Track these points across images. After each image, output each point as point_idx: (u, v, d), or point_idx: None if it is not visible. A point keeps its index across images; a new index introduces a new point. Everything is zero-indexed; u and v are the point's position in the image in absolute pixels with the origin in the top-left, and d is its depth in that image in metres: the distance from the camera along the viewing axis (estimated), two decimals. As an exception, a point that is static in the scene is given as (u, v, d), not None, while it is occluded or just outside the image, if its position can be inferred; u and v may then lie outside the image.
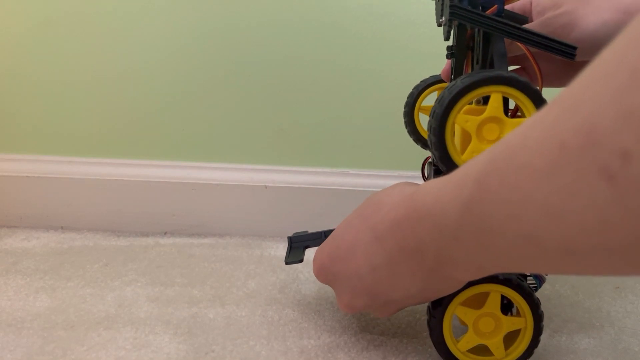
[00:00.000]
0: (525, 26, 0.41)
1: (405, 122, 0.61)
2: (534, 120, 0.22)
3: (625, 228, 0.18)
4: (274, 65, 0.75)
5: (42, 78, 0.77)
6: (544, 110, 0.21)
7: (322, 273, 0.43)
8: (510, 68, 0.47)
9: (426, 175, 0.59)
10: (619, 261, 0.19)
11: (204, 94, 0.76)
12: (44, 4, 0.75)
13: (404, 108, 0.61)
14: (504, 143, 0.24)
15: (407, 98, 0.60)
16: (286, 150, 0.77)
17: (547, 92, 0.40)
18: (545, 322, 0.44)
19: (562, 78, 0.47)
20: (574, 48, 0.38)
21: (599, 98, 0.18)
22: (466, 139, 0.39)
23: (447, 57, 0.47)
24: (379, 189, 0.74)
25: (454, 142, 0.38)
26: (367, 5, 0.72)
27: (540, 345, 0.45)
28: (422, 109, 0.60)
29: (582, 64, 0.45)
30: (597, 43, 0.40)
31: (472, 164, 0.26)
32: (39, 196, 0.78)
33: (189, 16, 0.74)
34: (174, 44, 0.75)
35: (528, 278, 0.46)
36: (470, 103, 0.39)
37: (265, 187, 0.76)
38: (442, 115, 0.37)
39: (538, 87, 0.41)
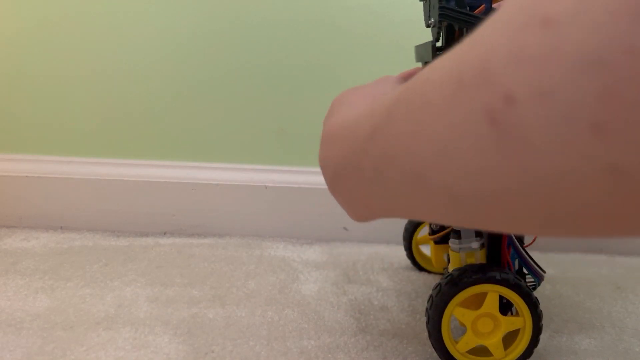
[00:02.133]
0: None
1: None
2: (447, 53, 0.21)
3: (502, 176, 0.17)
4: (274, 66, 0.75)
5: (42, 78, 0.77)
6: (459, 44, 0.21)
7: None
8: None
9: None
10: (496, 212, 0.19)
11: (204, 94, 0.76)
12: (43, 4, 0.75)
13: None
14: (419, 74, 0.22)
15: None
16: (286, 150, 0.77)
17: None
18: (545, 323, 0.44)
19: None
20: None
21: (495, 35, 0.17)
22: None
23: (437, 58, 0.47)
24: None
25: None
26: (366, 5, 0.72)
27: (540, 345, 0.44)
28: None
29: None
30: None
31: (393, 93, 0.25)
32: (39, 196, 0.78)
33: (190, 17, 0.74)
34: (173, 44, 0.75)
35: (527, 277, 0.46)
36: None
37: (265, 187, 0.76)
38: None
39: None
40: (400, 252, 0.69)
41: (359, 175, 0.28)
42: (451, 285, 0.42)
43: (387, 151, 0.24)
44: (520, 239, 0.47)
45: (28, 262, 0.67)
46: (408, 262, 0.67)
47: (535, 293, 0.44)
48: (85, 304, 0.56)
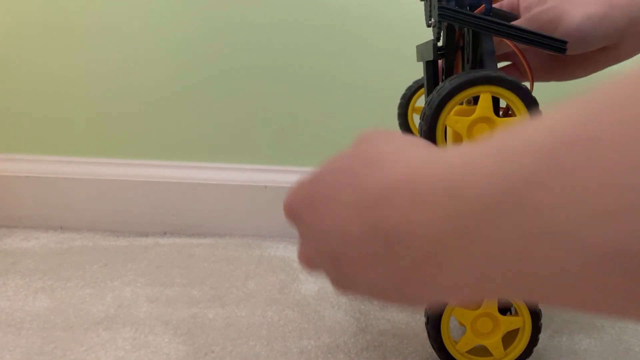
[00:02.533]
0: (513, 23, 0.42)
1: (400, 124, 0.61)
2: None
3: None
4: (274, 66, 0.75)
5: (42, 78, 0.77)
6: None
7: (288, 212, 0.33)
8: (503, 64, 0.47)
9: None
10: None
11: (204, 94, 0.76)
12: (43, 4, 0.75)
13: (398, 109, 0.60)
14: (597, 106, 0.16)
15: (401, 99, 0.60)
16: (286, 150, 0.77)
17: (537, 88, 0.40)
18: (546, 323, 0.44)
19: (550, 72, 0.47)
20: (564, 42, 0.38)
21: None
22: (458, 140, 0.39)
23: (438, 57, 0.47)
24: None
25: (445, 143, 0.39)
26: (365, 6, 0.72)
27: (541, 345, 0.44)
28: (415, 110, 0.60)
29: (570, 58, 0.45)
30: (584, 36, 0.40)
31: (528, 133, 0.18)
32: (39, 196, 0.78)
33: (191, 18, 0.74)
34: (174, 44, 0.75)
35: None
36: (462, 103, 0.39)
37: (265, 187, 0.76)
38: (432, 117, 0.38)
39: (528, 84, 0.41)
40: (400, 252, 0.69)
41: (463, 244, 0.20)
42: None
43: (529, 210, 0.17)
44: None
45: (28, 262, 0.67)
46: (408, 262, 0.67)
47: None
48: (85, 304, 0.56)
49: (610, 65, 0.44)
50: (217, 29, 0.74)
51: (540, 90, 0.50)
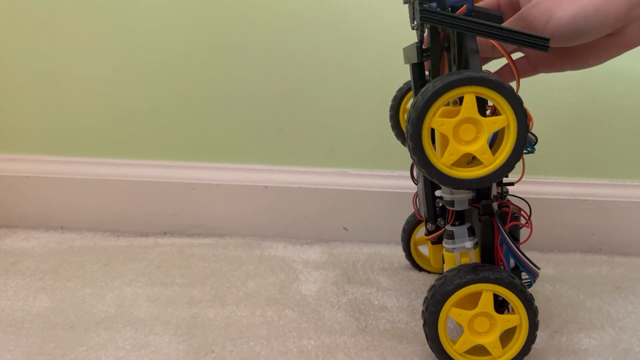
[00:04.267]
0: (508, 20, 0.42)
1: (392, 125, 0.61)
2: None
3: None
4: (275, 66, 0.75)
5: (42, 78, 0.77)
6: None
7: None
8: (515, 56, 0.46)
9: (415, 177, 0.59)
10: None
11: (204, 94, 0.76)
12: (43, 3, 0.75)
13: (389, 111, 0.60)
14: None
15: (392, 101, 0.60)
16: (286, 150, 0.77)
17: (537, 83, 0.40)
18: (545, 323, 0.44)
19: (562, 61, 0.46)
20: (546, 40, 0.38)
21: None
22: (445, 141, 0.39)
23: (423, 59, 0.47)
24: (380, 189, 0.75)
25: (431, 146, 0.38)
26: (367, 6, 0.72)
27: (540, 345, 0.44)
28: (407, 111, 0.60)
29: (578, 47, 0.44)
30: (578, 28, 0.39)
31: None
32: (39, 196, 0.78)
33: (190, 17, 0.74)
34: (173, 44, 0.75)
35: (522, 273, 0.46)
36: (448, 104, 0.39)
37: (265, 187, 0.76)
38: (417, 121, 0.37)
39: (516, 81, 0.41)
40: (400, 252, 0.69)
41: None
42: (445, 287, 0.42)
43: None
44: (514, 237, 0.47)
45: (28, 262, 0.67)
46: (408, 262, 0.67)
47: (536, 293, 0.44)
48: (85, 304, 0.56)
49: (623, 51, 0.43)
50: (217, 28, 0.74)
51: (530, 88, 0.50)
